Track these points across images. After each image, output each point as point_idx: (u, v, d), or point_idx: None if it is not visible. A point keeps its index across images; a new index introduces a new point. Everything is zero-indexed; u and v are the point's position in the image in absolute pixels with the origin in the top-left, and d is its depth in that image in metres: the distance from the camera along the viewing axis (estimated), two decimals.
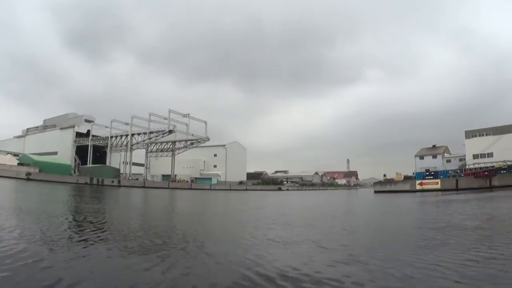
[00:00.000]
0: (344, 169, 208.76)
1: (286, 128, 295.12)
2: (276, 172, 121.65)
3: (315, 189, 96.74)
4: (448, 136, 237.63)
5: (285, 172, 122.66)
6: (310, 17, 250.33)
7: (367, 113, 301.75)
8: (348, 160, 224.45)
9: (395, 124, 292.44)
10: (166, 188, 51.19)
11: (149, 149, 63.46)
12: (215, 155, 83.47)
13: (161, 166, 72.52)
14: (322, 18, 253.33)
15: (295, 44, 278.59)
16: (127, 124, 61.89)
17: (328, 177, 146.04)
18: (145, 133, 60.31)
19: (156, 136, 59.54)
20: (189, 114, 59.91)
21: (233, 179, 76.82)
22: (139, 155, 64.43)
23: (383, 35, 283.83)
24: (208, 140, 61.37)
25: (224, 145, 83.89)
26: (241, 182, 77.08)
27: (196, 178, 75.48)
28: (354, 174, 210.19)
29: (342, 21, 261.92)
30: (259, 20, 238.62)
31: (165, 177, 68.94)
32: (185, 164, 77.16)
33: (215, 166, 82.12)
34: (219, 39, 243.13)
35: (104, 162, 62.84)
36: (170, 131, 57.24)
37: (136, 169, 64.59)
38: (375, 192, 43.46)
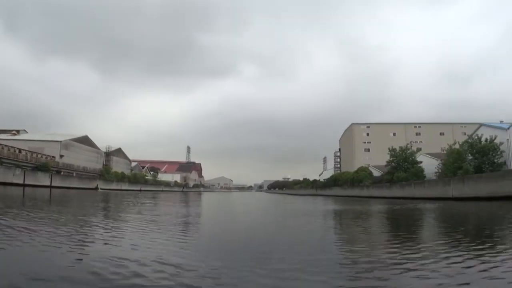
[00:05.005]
0: (182, 159, 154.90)
1: (138, 121, 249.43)
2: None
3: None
4: (306, 146, 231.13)
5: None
6: None
7: (230, 113, 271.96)
8: (188, 148, 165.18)
9: (256, 128, 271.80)
10: None
11: None
12: None
13: None
14: None
15: (172, 18, 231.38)
16: None
17: (144, 167, 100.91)
18: None
19: None
20: None
21: None
22: None
23: (269, 28, 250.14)
24: None
25: None
26: None
27: None
28: (196, 168, 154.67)
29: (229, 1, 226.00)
30: None
31: None
32: None
33: None
34: (87, 4, 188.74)
35: None
36: None
37: None
38: None
